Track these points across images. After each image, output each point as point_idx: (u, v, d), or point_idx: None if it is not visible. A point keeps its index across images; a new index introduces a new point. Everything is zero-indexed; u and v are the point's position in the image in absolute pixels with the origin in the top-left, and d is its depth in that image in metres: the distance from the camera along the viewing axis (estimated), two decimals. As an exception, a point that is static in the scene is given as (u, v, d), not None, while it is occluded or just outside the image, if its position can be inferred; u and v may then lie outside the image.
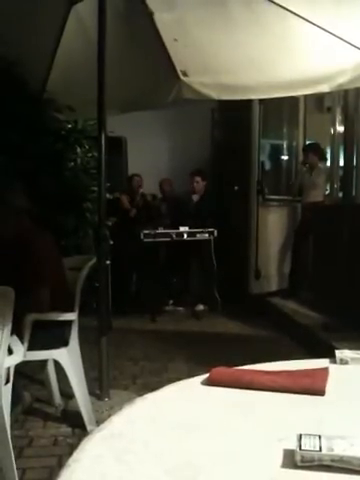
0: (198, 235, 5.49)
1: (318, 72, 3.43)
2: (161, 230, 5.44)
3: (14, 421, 2.66)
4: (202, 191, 5.96)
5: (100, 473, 0.88)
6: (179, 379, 1.32)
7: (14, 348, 2.29)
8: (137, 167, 6.31)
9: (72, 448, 0.97)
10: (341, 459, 0.87)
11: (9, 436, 2.16)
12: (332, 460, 0.87)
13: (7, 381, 2.22)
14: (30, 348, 2.56)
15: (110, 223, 4.31)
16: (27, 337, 2.55)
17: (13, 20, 3.46)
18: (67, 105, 4.17)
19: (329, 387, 1.21)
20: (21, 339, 2.48)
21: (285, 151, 6.68)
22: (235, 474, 0.88)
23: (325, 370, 1.30)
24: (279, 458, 0.91)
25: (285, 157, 6.73)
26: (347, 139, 4.80)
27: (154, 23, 3.61)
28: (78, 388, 2.82)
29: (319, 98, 6.37)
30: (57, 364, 2.89)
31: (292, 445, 0.91)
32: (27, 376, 3.40)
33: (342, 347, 1.48)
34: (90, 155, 4.70)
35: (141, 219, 5.82)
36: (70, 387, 2.81)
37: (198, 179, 5.92)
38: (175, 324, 5.28)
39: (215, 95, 3.90)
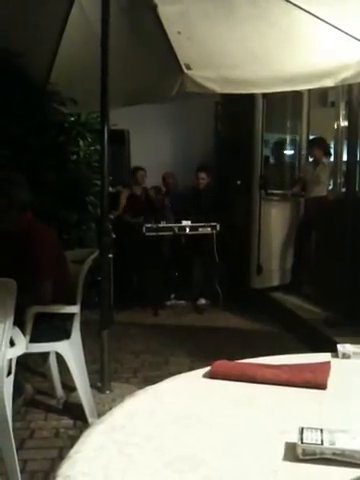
0: (200, 229, 5.48)
1: (322, 67, 3.41)
2: (163, 224, 5.43)
3: (16, 413, 2.66)
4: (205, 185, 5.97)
5: (101, 465, 0.88)
6: (180, 372, 1.32)
7: (16, 340, 2.29)
8: (140, 160, 6.29)
9: (73, 440, 0.97)
10: (343, 453, 0.87)
11: (11, 428, 2.17)
12: (334, 453, 0.87)
13: (9, 373, 2.23)
14: (32, 340, 2.58)
15: (112, 216, 4.30)
16: (29, 329, 2.56)
17: (16, 12, 3.44)
18: (70, 98, 4.16)
19: (331, 381, 1.21)
20: (23, 331, 2.48)
21: (288, 145, 6.65)
22: (236, 467, 0.88)
23: (327, 364, 1.30)
24: (281, 451, 0.91)
25: (288, 152, 6.70)
26: (351, 134, 4.77)
27: (158, 16, 3.59)
28: (80, 381, 2.83)
29: (323, 93, 6.33)
30: (59, 356, 2.90)
31: (294, 438, 0.91)
32: (29, 368, 3.42)
33: (344, 342, 1.47)
34: (93, 148, 4.68)
35: (144, 213, 5.81)
36: (72, 380, 2.82)
37: (203, 175, 5.92)
38: (177, 318, 5.28)
39: (218, 88, 3.88)
